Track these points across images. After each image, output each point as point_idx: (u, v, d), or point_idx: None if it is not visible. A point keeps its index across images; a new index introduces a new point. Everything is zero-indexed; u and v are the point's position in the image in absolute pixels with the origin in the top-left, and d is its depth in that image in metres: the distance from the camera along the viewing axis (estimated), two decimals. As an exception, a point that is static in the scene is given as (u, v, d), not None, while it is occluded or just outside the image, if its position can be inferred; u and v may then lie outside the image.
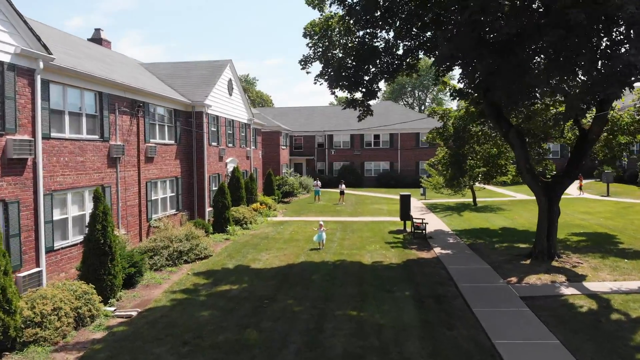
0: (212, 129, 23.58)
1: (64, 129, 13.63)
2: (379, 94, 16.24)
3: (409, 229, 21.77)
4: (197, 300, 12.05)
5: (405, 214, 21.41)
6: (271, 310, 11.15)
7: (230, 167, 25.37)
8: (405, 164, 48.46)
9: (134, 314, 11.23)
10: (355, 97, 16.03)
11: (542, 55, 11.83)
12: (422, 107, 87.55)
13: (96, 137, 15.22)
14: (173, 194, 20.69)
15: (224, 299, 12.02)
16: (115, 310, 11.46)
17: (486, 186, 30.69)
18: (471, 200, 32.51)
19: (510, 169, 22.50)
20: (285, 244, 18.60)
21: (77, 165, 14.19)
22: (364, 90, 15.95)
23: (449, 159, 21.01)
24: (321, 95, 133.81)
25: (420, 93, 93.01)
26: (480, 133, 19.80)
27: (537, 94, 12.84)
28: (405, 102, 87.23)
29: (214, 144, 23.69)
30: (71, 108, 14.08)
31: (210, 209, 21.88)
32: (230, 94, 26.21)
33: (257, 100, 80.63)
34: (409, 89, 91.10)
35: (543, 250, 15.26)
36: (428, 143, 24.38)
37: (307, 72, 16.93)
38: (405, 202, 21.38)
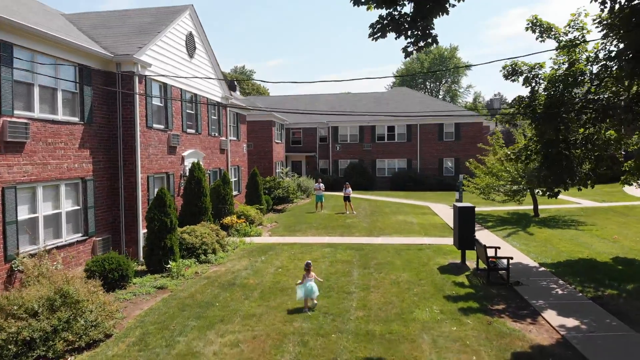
0: (156, 103, 15.16)
1: None
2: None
3: (468, 262, 13.38)
4: None
5: (467, 239, 12.95)
6: None
7: (188, 164, 16.93)
8: (426, 161, 39.95)
9: None
10: (400, 11, 7.57)
11: None
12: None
13: None
14: (76, 208, 12.26)
15: None
16: None
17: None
18: (528, 207, 24.10)
19: (627, 164, 14.09)
20: (260, 304, 10.06)
21: None
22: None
23: (538, 148, 12.64)
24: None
25: (432, 85, 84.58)
26: (603, 103, 11.29)
27: None
28: (416, 94, 78.59)
29: (159, 126, 15.26)
30: None
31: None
32: (191, 56, 17.76)
33: (252, 93, 72.27)
34: (420, 80, 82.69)
35: None
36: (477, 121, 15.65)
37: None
38: (466, 219, 12.92)
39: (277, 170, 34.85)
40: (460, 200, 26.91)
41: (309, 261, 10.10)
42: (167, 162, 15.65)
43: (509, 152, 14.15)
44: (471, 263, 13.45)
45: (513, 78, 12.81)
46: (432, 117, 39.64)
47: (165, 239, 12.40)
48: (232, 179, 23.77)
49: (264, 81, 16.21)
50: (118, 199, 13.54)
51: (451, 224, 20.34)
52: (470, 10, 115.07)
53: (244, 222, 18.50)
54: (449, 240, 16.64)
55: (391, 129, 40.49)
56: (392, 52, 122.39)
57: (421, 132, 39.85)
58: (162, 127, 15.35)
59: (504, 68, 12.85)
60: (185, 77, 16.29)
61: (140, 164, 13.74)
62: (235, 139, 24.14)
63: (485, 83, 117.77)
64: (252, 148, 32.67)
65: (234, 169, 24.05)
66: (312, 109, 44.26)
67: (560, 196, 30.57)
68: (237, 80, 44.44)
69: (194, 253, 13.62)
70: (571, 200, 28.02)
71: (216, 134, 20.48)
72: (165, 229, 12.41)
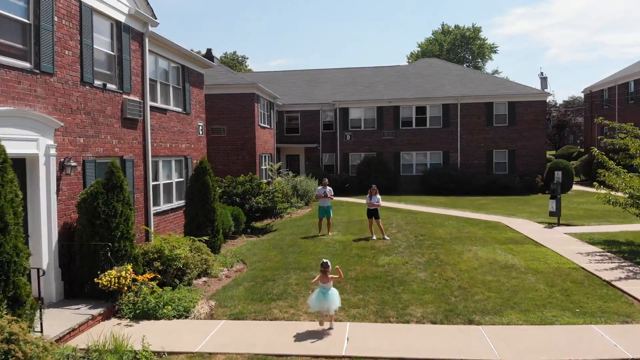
0: None
1: None
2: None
3: None
4: None
5: None
6: None
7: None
8: (469, 155, 29.35)
9: None
10: None
11: None
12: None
13: None
14: None
15: None
16: None
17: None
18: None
19: None
20: None
21: None
22: None
23: None
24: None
25: (451, 70, 73.78)
26: None
27: None
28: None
29: None
30: None
31: None
32: None
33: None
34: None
35: None
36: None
37: None
38: None
39: (264, 167, 24.44)
40: (556, 212, 16.33)
41: (327, 260, 7.01)
42: None
43: None
44: None
45: None
46: (477, 95, 29.13)
47: None
48: (175, 180, 13.36)
49: None
50: None
51: (590, 268, 9.85)
52: (471, 10, 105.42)
53: (155, 277, 8.04)
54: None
55: (421, 110, 29.91)
56: (393, 52, 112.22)
57: (462, 115, 29.27)
58: None
59: None
60: None
61: None
62: (179, 109, 13.73)
63: (511, 70, 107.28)
64: (225, 134, 22.30)
65: (176, 161, 13.64)
66: (312, 87, 33.82)
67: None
68: (214, 55, 34.19)
69: None
70: None
71: (113, 87, 9.96)
72: None
